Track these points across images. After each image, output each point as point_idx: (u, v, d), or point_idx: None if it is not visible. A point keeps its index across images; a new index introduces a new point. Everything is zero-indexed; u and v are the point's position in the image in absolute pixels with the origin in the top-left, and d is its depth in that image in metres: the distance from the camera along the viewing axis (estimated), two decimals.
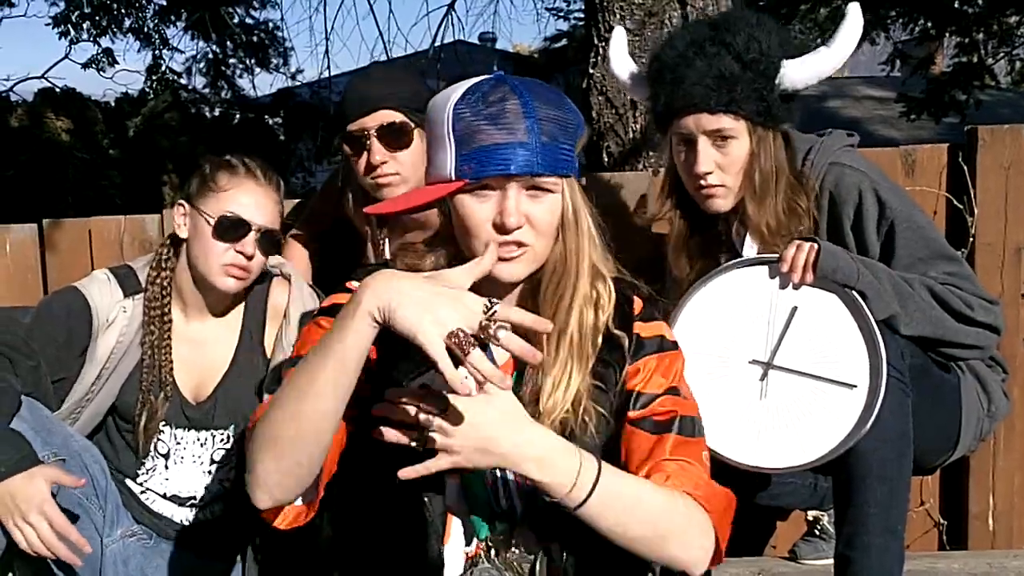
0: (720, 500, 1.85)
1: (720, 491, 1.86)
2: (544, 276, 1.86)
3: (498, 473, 1.86)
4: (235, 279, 2.58)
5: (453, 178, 1.78)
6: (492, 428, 1.71)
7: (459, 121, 1.77)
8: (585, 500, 1.72)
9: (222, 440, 2.66)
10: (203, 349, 2.67)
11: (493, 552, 1.89)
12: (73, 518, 2.31)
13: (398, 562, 1.89)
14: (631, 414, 1.90)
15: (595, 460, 1.75)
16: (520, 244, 1.79)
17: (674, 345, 1.96)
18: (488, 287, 1.85)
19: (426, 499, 1.85)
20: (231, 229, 2.56)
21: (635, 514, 1.76)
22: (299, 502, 1.77)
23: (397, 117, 2.72)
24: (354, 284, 1.82)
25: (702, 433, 1.91)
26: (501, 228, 1.77)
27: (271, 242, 2.62)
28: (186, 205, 2.63)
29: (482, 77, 1.84)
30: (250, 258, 2.57)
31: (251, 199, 2.59)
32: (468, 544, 1.90)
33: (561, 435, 1.81)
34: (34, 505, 2.19)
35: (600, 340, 1.88)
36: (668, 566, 1.83)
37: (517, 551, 1.89)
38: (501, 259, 1.79)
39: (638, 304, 1.95)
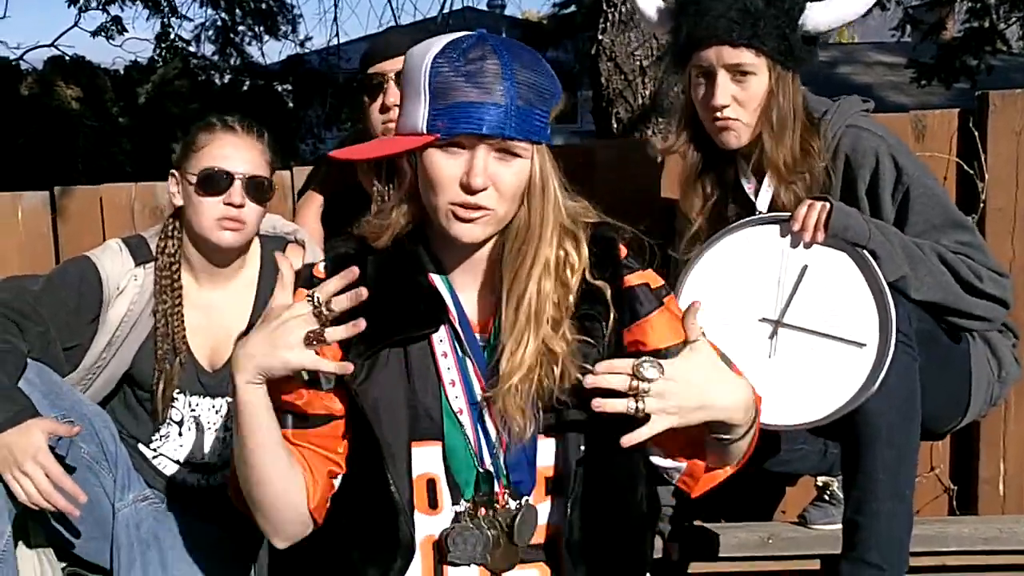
0: None
1: None
2: (507, 240, 1.85)
3: (480, 434, 1.88)
4: (231, 231, 2.58)
5: (424, 132, 1.78)
6: (708, 385, 1.80)
7: (436, 75, 1.76)
8: (747, 431, 1.85)
9: None
10: (216, 316, 2.68)
11: (481, 511, 1.89)
12: (70, 470, 2.32)
13: (368, 542, 1.91)
14: None
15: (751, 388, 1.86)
16: (481, 208, 1.78)
17: (666, 291, 1.97)
18: (452, 249, 1.87)
19: (391, 480, 1.85)
20: (214, 182, 2.56)
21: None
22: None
23: None
24: (320, 269, 1.90)
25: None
26: (466, 187, 1.76)
27: (259, 189, 2.61)
28: (176, 173, 2.64)
29: (464, 33, 1.83)
30: (240, 207, 2.57)
31: (230, 150, 2.60)
32: (455, 504, 1.91)
33: (539, 392, 1.83)
34: (29, 455, 2.20)
35: (572, 299, 1.86)
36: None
37: (501, 508, 1.90)
38: (461, 219, 1.79)
39: (623, 250, 1.95)
